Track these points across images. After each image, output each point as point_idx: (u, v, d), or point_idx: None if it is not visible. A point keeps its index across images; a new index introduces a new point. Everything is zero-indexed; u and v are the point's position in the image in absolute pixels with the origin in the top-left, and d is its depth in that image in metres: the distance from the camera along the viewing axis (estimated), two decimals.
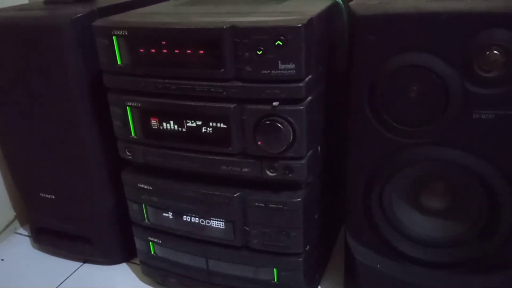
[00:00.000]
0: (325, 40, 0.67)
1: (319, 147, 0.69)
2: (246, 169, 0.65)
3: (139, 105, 0.67)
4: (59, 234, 0.93)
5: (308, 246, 0.70)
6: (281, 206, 0.66)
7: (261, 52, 0.57)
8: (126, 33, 0.63)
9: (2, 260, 0.98)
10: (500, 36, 0.53)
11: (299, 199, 0.65)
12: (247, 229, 0.69)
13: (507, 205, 0.61)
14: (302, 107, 0.60)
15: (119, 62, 0.66)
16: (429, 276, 0.68)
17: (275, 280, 0.72)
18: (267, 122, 0.60)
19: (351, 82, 0.62)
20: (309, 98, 0.61)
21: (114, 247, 0.91)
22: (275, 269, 0.71)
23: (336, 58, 0.75)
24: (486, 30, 0.53)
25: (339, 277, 0.79)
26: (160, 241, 0.77)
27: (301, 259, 0.69)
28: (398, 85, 0.59)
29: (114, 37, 0.65)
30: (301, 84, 0.58)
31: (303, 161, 0.63)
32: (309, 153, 0.64)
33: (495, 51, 0.54)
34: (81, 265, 0.93)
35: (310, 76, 0.60)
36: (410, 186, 0.67)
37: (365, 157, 0.65)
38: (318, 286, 0.82)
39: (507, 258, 0.64)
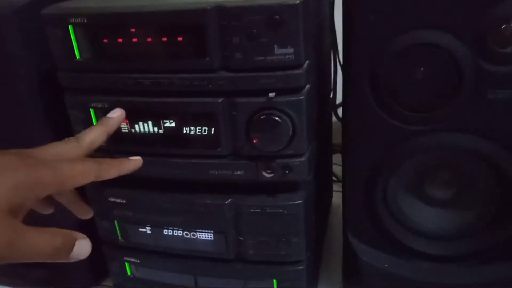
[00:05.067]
0: (316, 21, 0.60)
1: (315, 140, 0.62)
2: (239, 172, 0.57)
3: (106, 105, 0.57)
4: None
5: (309, 251, 0.64)
6: (280, 210, 0.58)
7: (253, 35, 0.49)
8: (85, 21, 0.53)
9: None
10: None
11: (300, 201, 0.58)
12: (241, 239, 0.61)
13: None
14: (302, 97, 0.52)
15: (77, 56, 0.55)
16: (436, 271, 0.64)
17: None
18: (263, 116, 0.52)
19: (350, 66, 0.56)
20: (308, 86, 0.54)
21: (80, 270, 0.80)
22: (274, 281, 0.63)
23: (323, 40, 0.69)
24: (502, 2, 0.48)
25: (336, 277, 0.73)
26: (139, 261, 0.67)
27: (303, 266, 0.63)
28: (404, 67, 0.53)
29: (70, 26, 0.54)
30: (300, 71, 0.51)
31: (304, 158, 0.56)
32: (309, 149, 0.57)
33: None
34: None
35: (308, 62, 0.53)
36: (416, 176, 0.62)
37: (368, 147, 0.59)
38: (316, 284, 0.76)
39: None
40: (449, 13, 0.50)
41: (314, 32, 0.58)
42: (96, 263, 0.76)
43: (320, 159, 0.68)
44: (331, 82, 0.92)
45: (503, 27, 0.49)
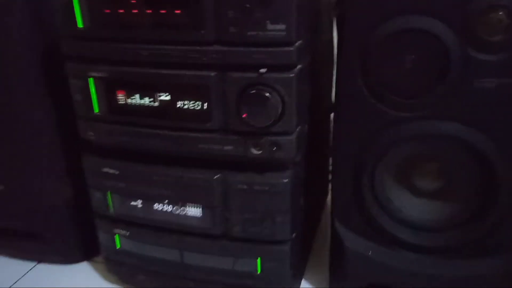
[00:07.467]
0: (313, 7, 0.62)
1: (306, 125, 0.63)
2: (228, 147, 0.58)
3: (104, 75, 0.59)
4: (7, 231, 0.83)
5: (294, 234, 0.64)
6: (267, 188, 0.59)
7: (247, 10, 0.51)
8: None
9: None
10: None
11: (286, 180, 0.59)
12: (228, 215, 0.62)
13: (505, 184, 0.57)
14: (292, 75, 0.54)
15: (80, 25, 0.57)
16: (421, 262, 0.64)
17: (259, 272, 0.65)
18: (253, 91, 0.54)
19: (341, 50, 0.57)
20: (299, 66, 0.55)
21: (73, 244, 0.81)
22: (258, 260, 0.64)
23: (322, 28, 0.70)
24: None
25: (324, 267, 0.73)
26: (128, 233, 0.69)
27: (288, 247, 0.63)
28: (394, 52, 0.54)
29: None
30: (291, 48, 0.52)
31: (292, 137, 0.57)
32: (298, 128, 0.58)
33: (500, 12, 0.50)
34: (35, 265, 0.83)
35: (300, 41, 0.54)
36: (403, 165, 0.62)
37: (356, 133, 0.60)
38: (302, 277, 0.76)
39: (499, 242, 0.61)
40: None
41: (310, 17, 0.59)
42: (89, 239, 0.78)
43: (313, 147, 0.69)
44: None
45: (490, 15, 0.50)
